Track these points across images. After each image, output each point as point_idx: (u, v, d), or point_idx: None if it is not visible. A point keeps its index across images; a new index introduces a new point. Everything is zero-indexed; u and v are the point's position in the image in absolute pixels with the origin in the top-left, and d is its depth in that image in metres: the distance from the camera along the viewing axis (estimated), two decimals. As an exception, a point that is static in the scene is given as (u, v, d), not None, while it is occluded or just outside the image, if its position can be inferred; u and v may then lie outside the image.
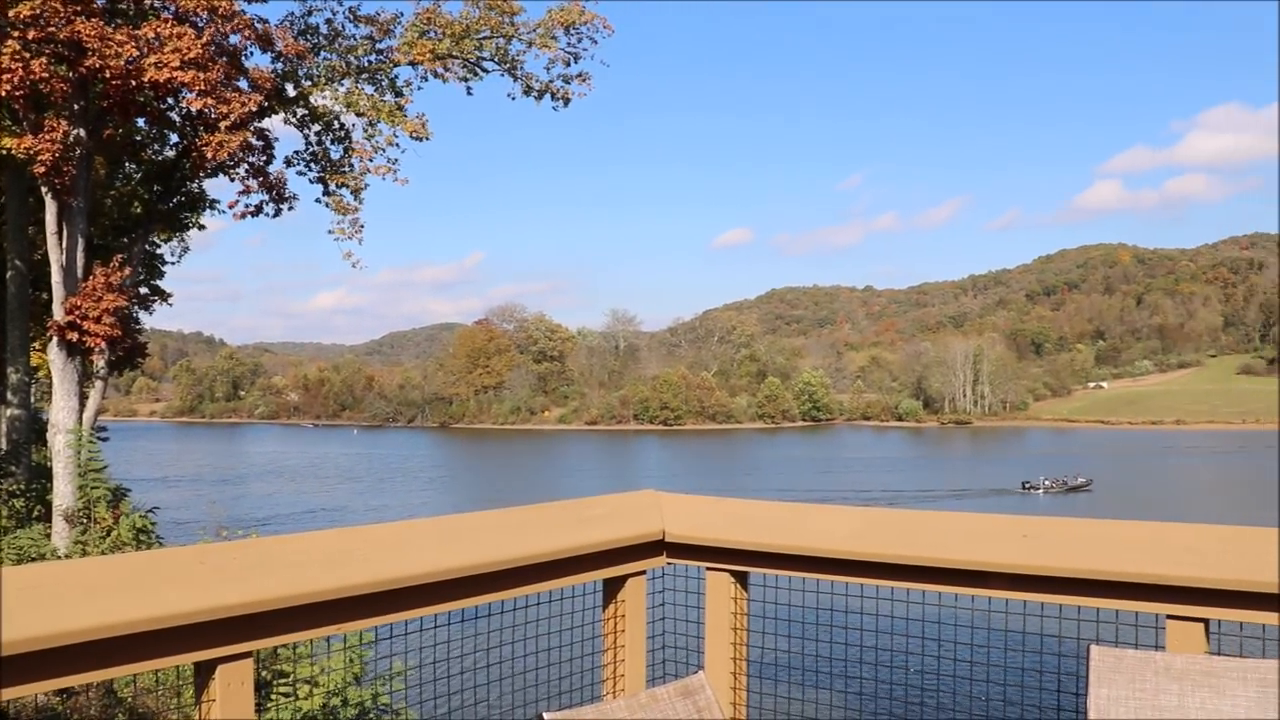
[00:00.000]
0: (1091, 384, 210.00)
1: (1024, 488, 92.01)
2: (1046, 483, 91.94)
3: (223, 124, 17.90)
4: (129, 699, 10.17)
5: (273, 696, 8.51)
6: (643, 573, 3.89)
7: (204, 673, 2.75)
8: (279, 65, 20.55)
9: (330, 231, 21.68)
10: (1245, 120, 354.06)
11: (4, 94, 15.68)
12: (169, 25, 16.97)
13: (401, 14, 21.73)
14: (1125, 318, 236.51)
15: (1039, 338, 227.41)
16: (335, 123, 21.91)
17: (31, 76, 15.73)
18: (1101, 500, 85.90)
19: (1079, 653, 3.13)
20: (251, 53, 19.76)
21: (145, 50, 16.73)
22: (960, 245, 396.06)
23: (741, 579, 3.90)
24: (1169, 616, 3.15)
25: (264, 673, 8.51)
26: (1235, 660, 2.98)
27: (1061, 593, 3.31)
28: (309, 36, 21.43)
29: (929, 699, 4.51)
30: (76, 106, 17.43)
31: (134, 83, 16.71)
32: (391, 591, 3.08)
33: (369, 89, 21.61)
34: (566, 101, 22.56)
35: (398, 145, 21.51)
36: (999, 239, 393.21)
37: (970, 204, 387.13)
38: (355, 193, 21.70)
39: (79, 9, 16.09)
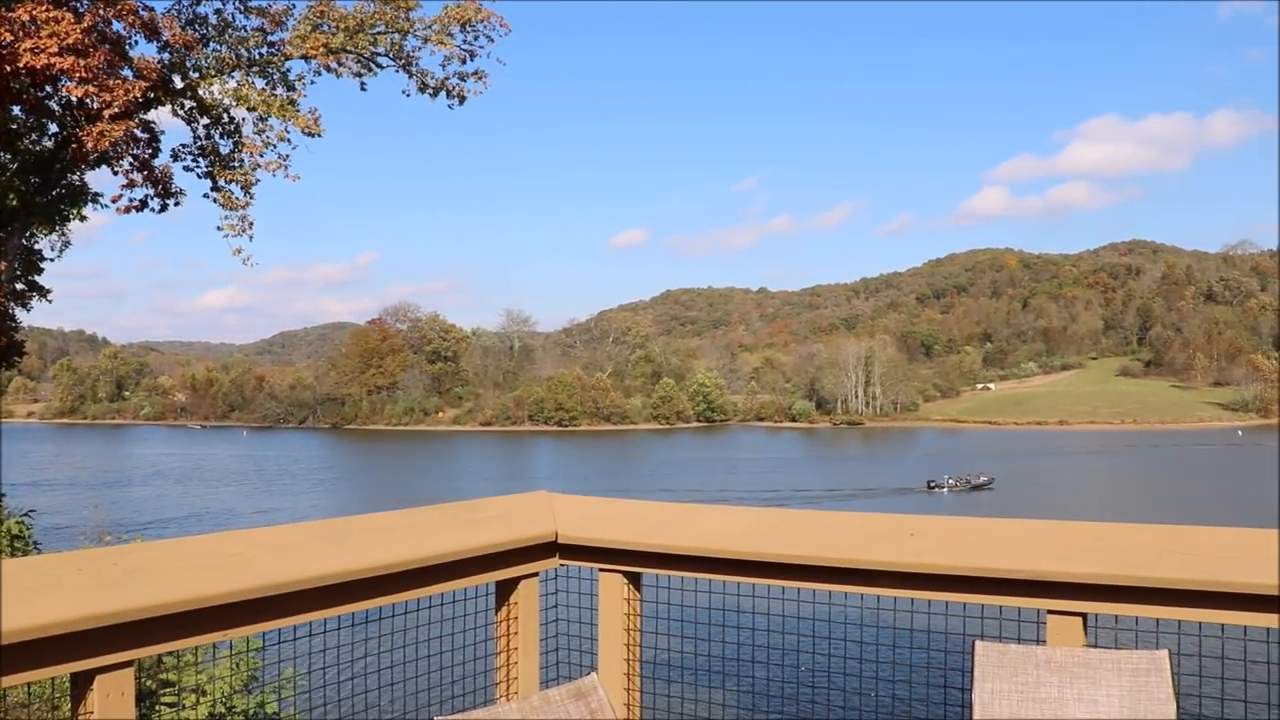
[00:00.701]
0: (979, 385, 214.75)
1: (929, 486, 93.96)
2: (951, 481, 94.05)
3: (105, 113, 17.32)
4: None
5: (156, 707, 8.29)
6: (535, 574, 3.88)
7: (81, 684, 2.67)
8: (166, 55, 19.98)
9: (219, 228, 21.14)
10: (1123, 131, 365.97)
11: None
12: (46, 9, 16.35)
13: (294, 6, 21.28)
14: (1011, 321, 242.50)
15: (929, 340, 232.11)
16: (225, 116, 21.38)
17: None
18: (1002, 498, 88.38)
19: (965, 648, 3.20)
20: (136, 41, 19.18)
21: (20, 34, 16.11)
22: (853, 248, 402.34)
23: (634, 580, 3.91)
24: (1049, 611, 3.25)
25: (148, 682, 8.28)
26: (1111, 652, 3.08)
27: (948, 590, 3.38)
28: (197, 27, 20.88)
29: (819, 696, 4.57)
30: (-54, 94, 16.76)
31: (8, 69, 16.08)
32: (280, 596, 3.03)
33: (260, 82, 21.14)
34: (462, 99, 22.37)
35: (289, 140, 21.05)
36: (890, 243, 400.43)
37: (863, 208, 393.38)
38: (245, 188, 21.19)
39: (-52, -8, 15.48)
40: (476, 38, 21.72)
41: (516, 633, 3.81)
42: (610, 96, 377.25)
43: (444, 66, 22.08)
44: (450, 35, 21.57)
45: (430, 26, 21.58)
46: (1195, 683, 3.45)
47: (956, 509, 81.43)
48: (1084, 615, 3.21)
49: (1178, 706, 2.98)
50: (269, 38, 21.30)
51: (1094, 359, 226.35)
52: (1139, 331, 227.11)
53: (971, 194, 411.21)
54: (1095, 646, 3.23)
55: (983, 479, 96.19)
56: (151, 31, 19.05)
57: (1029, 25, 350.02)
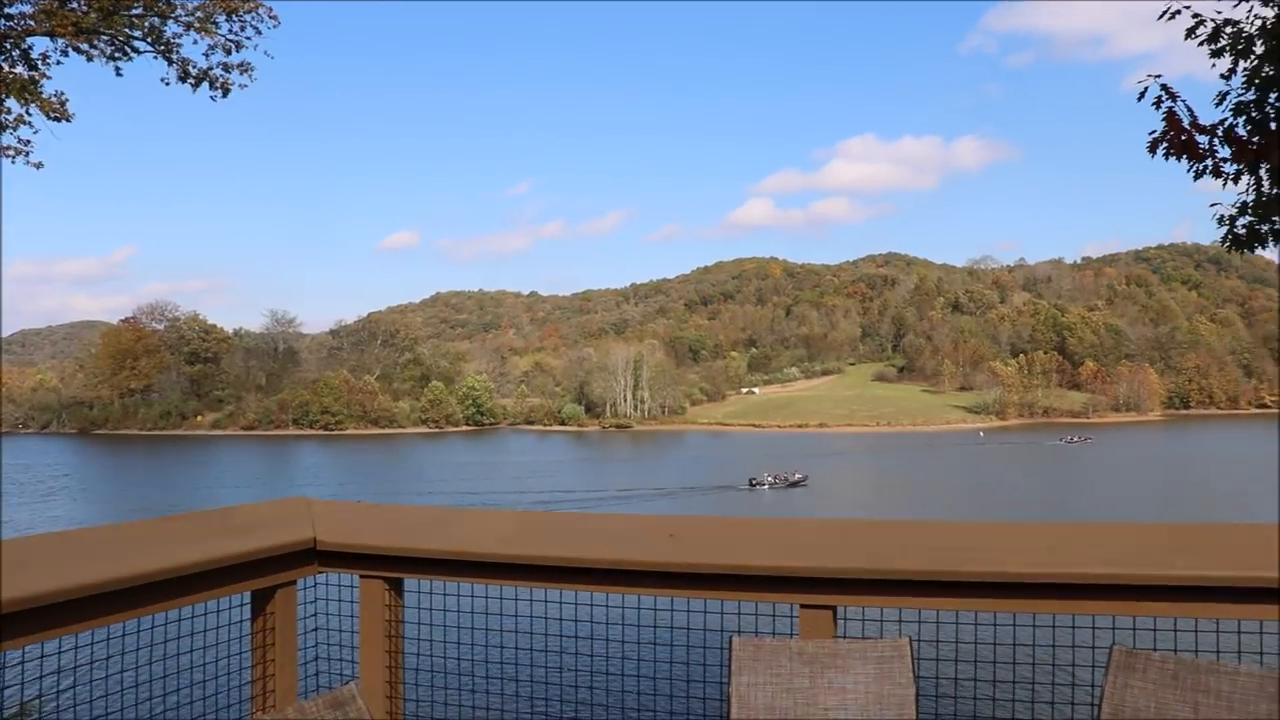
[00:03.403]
0: (744, 389, 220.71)
1: (751, 484, 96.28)
2: (769, 479, 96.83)
3: None
4: None
5: None
6: (293, 583, 3.76)
7: None
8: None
9: (-54, 217, 19.60)
10: (880, 151, 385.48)
11: None
12: None
13: (39, -24, 19.94)
14: (775, 327, 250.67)
15: (696, 345, 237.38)
16: (-49, 95, 19.82)
17: None
18: (815, 494, 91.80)
19: (723, 644, 3.29)
20: None
21: None
22: (623, 255, 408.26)
23: (396, 585, 3.84)
24: (802, 606, 3.37)
25: None
26: (858, 641, 3.23)
27: (706, 588, 3.47)
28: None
29: (583, 696, 4.60)
30: None
31: None
32: (7, 616, 2.82)
33: (-3, 59, 19.70)
34: (226, 91, 21.35)
35: (31, 125, 19.70)
36: (660, 250, 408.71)
37: (634, 215, 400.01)
38: (-23, 176, 19.75)
39: None
40: (243, 28, 20.87)
41: (273, 644, 3.68)
42: (382, 101, 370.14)
43: (207, 56, 21.14)
44: (215, 24, 20.67)
45: (194, 13, 20.63)
46: (934, 666, 3.65)
47: (776, 505, 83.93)
48: (833, 608, 3.35)
49: (917, 691, 3.15)
50: (7, 9, 19.89)
51: (852, 364, 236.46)
52: (893, 339, 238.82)
53: (738, 205, 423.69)
54: (844, 637, 3.38)
55: (799, 476, 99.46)
56: None
57: (792, 47, 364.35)
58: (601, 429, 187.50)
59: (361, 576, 3.84)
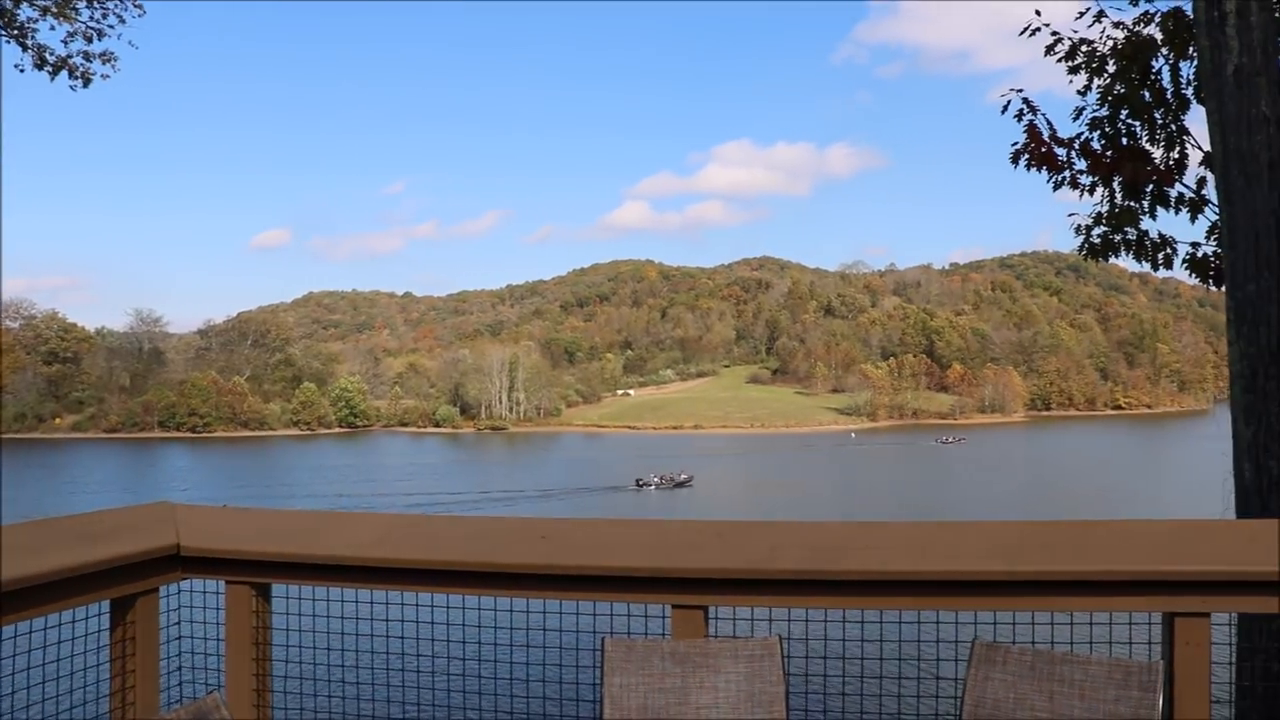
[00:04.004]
0: (620, 391, 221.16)
1: (638, 484, 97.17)
2: (656, 479, 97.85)
3: None
4: None
5: None
6: (155, 590, 3.64)
7: None
8: None
9: None
10: (753, 156, 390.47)
11: None
12: None
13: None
14: (651, 329, 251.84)
15: (572, 347, 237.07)
16: None
17: None
18: (698, 495, 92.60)
19: (596, 645, 3.30)
20: None
21: None
22: (499, 256, 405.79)
23: (264, 591, 3.76)
24: (674, 606, 3.40)
25: None
26: (729, 641, 3.27)
27: (580, 590, 3.47)
28: None
29: (456, 701, 4.55)
30: None
31: None
32: None
33: None
34: (87, 81, 20.58)
35: None
36: (536, 251, 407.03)
37: (510, 216, 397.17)
38: None
39: None
40: (106, 16, 20.17)
41: (134, 654, 3.56)
42: (253, 96, 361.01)
43: (66, 43, 20.36)
44: (75, 10, 19.92)
45: (52, -1, 19.85)
46: (804, 664, 3.71)
47: (662, 505, 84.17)
48: (705, 608, 3.38)
49: (787, 688, 3.20)
50: None
51: (727, 366, 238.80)
52: (767, 342, 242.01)
53: (614, 207, 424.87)
54: (716, 637, 3.41)
55: (684, 476, 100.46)
56: None
57: (668, 51, 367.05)
58: (477, 431, 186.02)
59: (227, 582, 3.74)
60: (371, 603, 3.74)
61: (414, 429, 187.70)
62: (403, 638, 3.86)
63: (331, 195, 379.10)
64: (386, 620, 3.78)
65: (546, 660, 3.96)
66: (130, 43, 22.05)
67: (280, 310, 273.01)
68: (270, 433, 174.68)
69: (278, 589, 3.79)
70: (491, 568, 3.44)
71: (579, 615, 3.58)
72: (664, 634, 3.44)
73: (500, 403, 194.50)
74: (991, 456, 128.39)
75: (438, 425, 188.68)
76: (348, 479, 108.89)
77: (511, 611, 3.68)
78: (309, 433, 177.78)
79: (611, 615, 3.53)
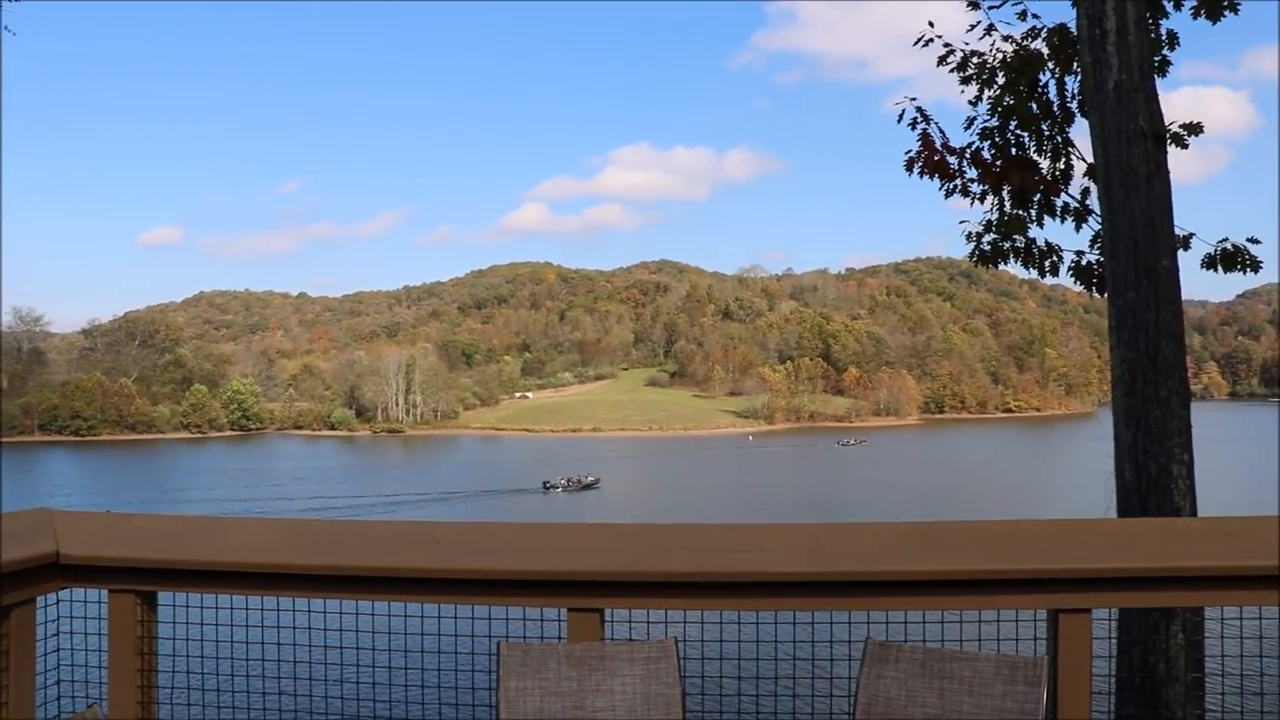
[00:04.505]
0: (518, 394, 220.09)
1: (545, 487, 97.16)
2: (563, 482, 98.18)
3: None
4: None
5: None
6: (31, 600, 3.52)
7: None
8: None
9: None
10: (652, 160, 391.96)
11: None
12: None
13: None
14: (549, 332, 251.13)
15: (470, 349, 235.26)
16: None
17: None
18: (605, 496, 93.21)
19: (491, 650, 3.28)
20: None
21: None
22: (396, 256, 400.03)
23: (149, 600, 3.65)
24: (570, 609, 3.39)
25: None
26: (625, 643, 3.27)
27: (474, 594, 3.44)
28: None
29: (350, 709, 4.49)
30: None
31: None
32: None
33: None
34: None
35: None
36: (433, 252, 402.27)
37: (407, 217, 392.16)
38: None
39: None
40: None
41: (7, 668, 3.43)
42: (142, 90, 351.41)
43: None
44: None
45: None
46: (700, 666, 3.74)
47: (569, 507, 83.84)
48: (600, 611, 3.38)
49: (683, 690, 3.22)
50: None
51: (625, 369, 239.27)
52: (665, 345, 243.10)
53: (513, 209, 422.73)
54: (612, 640, 3.42)
55: (590, 478, 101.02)
56: None
57: (567, 53, 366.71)
58: (373, 434, 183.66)
59: (111, 591, 3.63)
60: (262, 609, 3.66)
61: (308, 432, 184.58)
62: (294, 645, 3.78)
63: (224, 193, 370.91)
64: (278, 627, 3.70)
65: (441, 666, 3.93)
66: (8, 28, 21.47)
67: (170, 310, 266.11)
68: (159, 436, 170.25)
69: (164, 597, 3.69)
70: (384, 572, 3.40)
71: (474, 620, 3.55)
72: (560, 638, 3.43)
73: (397, 405, 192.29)
74: (889, 458, 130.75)
75: (333, 428, 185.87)
76: (239, 483, 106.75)
77: (405, 617, 3.64)
78: (199, 436, 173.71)
79: (507, 619, 3.51)
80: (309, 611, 3.62)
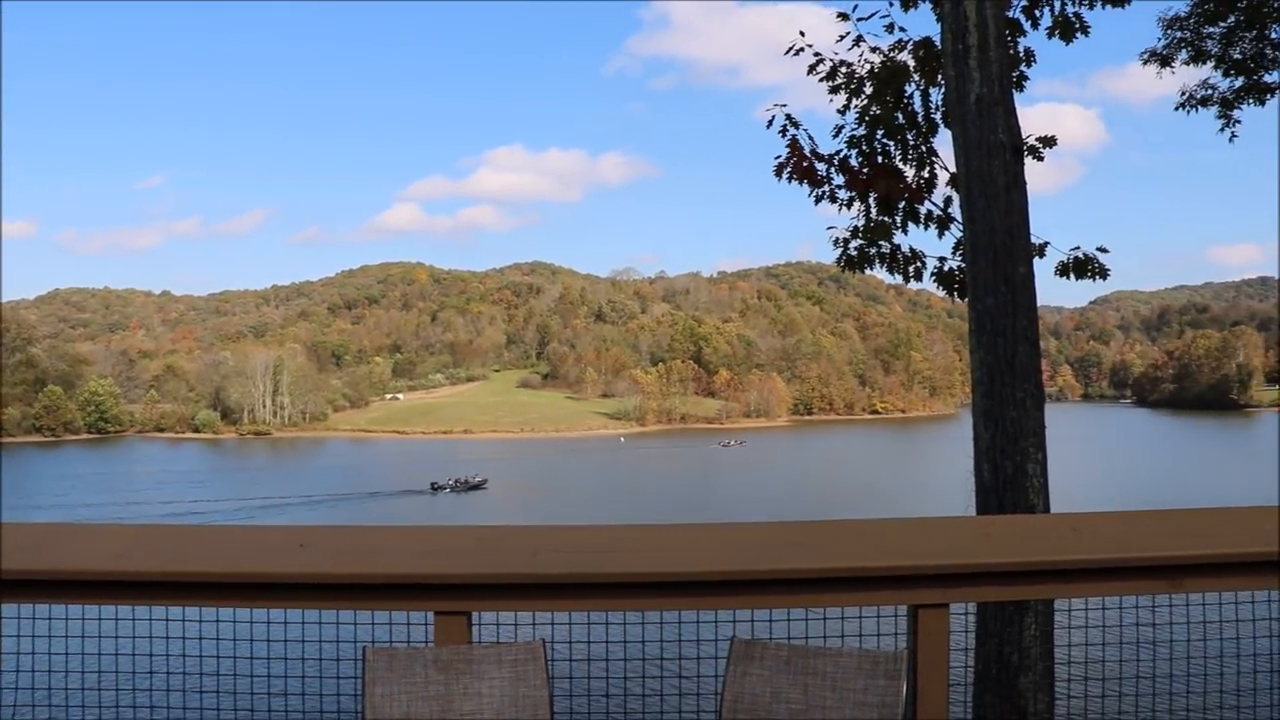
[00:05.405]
0: (388, 396, 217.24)
1: (433, 488, 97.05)
2: (451, 482, 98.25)
3: None
4: None
5: None
6: None
7: None
8: None
9: None
10: (526, 162, 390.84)
11: None
12: None
13: None
14: (421, 333, 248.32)
15: (339, 350, 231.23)
16: None
17: None
18: (493, 497, 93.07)
19: (357, 655, 3.23)
20: None
21: None
22: (264, 255, 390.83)
23: (-22, 614, 3.49)
24: (437, 613, 3.36)
25: None
26: (493, 646, 3.26)
27: (341, 600, 3.39)
28: None
29: (209, 719, 4.37)
30: None
31: None
32: None
33: None
34: None
35: None
36: (302, 252, 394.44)
37: (276, 215, 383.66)
38: None
39: None
40: None
41: None
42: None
43: None
44: None
45: None
46: (568, 667, 3.74)
47: (457, 508, 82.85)
48: (468, 614, 3.36)
49: (551, 692, 3.22)
50: None
51: (497, 371, 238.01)
52: (538, 346, 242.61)
53: (385, 209, 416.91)
54: (480, 643, 3.40)
55: (478, 479, 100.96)
56: None
57: (440, 53, 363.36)
58: (239, 436, 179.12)
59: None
60: (116, 620, 3.54)
61: (171, 435, 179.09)
62: (151, 655, 3.66)
63: (82, 187, 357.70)
64: (133, 638, 3.57)
65: (306, 673, 3.85)
66: None
67: (22, 307, 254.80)
68: (8, 440, 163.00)
69: (8, 609, 3.54)
70: (246, 578, 3.30)
71: (339, 625, 3.50)
72: (427, 641, 3.40)
73: (264, 407, 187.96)
74: (766, 458, 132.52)
75: (197, 430, 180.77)
76: (95, 488, 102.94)
77: (269, 623, 3.56)
78: (53, 439, 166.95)
79: (373, 624, 3.47)
80: (166, 621, 3.51)
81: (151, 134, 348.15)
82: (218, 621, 3.51)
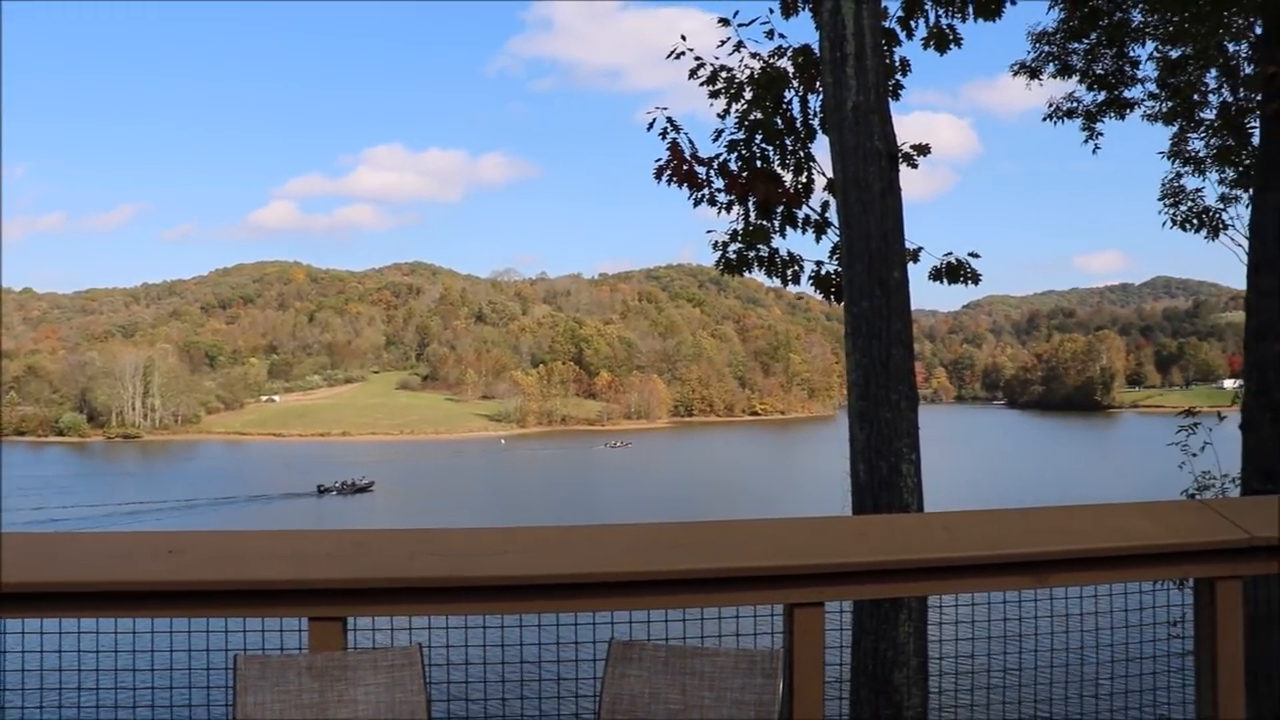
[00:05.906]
0: (264, 397, 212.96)
1: (319, 490, 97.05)
2: (338, 484, 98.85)
3: None
4: None
5: None
6: None
7: None
8: None
9: None
10: (406, 161, 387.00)
11: None
12: None
13: None
14: (298, 334, 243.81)
15: (213, 351, 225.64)
16: None
17: None
18: (379, 499, 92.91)
19: (228, 663, 3.15)
20: None
21: None
22: (133, 252, 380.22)
23: None
24: (311, 618, 3.29)
25: None
26: (369, 652, 3.21)
27: (211, 607, 3.29)
28: None
29: (71, 732, 4.23)
30: None
31: None
32: None
33: None
34: None
35: None
36: (174, 249, 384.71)
37: (146, 211, 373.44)
38: None
39: None
40: None
41: None
42: None
43: None
44: None
45: None
46: (446, 671, 3.70)
47: (344, 511, 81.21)
48: (343, 619, 3.30)
49: (429, 697, 3.18)
50: None
51: (376, 372, 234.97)
52: (418, 348, 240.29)
53: (260, 206, 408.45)
54: (355, 649, 3.34)
55: (365, 481, 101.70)
56: None
57: (319, 48, 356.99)
58: (106, 440, 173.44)
59: None
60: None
61: (33, 438, 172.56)
62: (5, 671, 3.52)
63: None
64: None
65: (174, 683, 3.75)
66: None
67: None
68: None
69: None
70: (110, 587, 3.18)
71: (209, 633, 3.41)
72: (301, 648, 3.33)
73: (134, 409, 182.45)
74: (650, 460, 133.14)
75: (61, 434, 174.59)
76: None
77: (135, 634, 3.45)
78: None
79: (245, 631, 3.38)
80: (23, 634, 3.37)
81: (12, 124, 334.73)
82: (79, 633, 3.39)
